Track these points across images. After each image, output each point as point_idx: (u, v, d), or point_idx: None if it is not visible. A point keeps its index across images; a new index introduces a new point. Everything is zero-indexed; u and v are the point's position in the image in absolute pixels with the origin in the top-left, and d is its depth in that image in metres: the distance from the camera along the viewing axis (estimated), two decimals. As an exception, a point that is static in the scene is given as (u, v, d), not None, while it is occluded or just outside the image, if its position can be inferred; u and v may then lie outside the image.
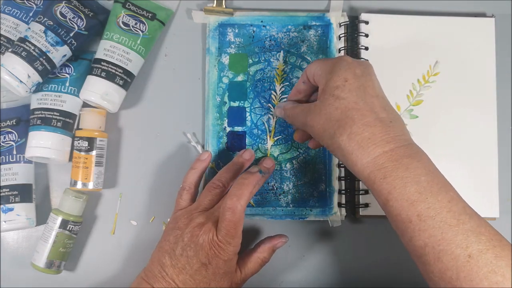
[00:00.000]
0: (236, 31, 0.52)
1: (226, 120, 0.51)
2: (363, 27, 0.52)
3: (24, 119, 0.50)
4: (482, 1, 0.54)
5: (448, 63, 0.52)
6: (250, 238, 0.52)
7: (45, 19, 0.47)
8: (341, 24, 0.52)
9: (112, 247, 0.51)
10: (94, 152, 0.48)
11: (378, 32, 0.52)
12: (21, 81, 0.45)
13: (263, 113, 0.52)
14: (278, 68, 0.52)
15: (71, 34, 0.48)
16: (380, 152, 0.37)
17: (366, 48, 0.51)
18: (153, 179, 0.52)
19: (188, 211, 0.45)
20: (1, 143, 0.49)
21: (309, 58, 0.52)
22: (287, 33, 0.52)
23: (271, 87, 0.52)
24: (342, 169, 0.51)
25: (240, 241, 0.42)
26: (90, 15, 0.49)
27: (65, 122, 0.48)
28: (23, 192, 0.48)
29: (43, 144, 0.47)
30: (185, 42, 0.53)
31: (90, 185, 0.48)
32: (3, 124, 0.49)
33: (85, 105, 0.50)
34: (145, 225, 0.51)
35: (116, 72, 0.48)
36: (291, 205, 0.51)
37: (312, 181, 0.51)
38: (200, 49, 0.53)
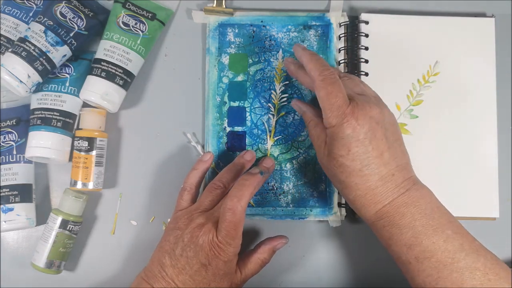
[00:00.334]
0: (236, 31, 0.52)
1: (226, 120, 0.51)
2: (363, 27, 0.52)
3: (24, 119, 0.50)
4: (482, 1, 0.54)
5: (448, 63, 0.52)
6: (250, 239, 0.52)
7: (45, 19, 0.47)
8: (341, 24, 0.52)
9: (112, 247, 0.51)
10: (94, 152, 0.48)
11: (378, 32, 0.52)
12: (21, 81, 0.45)
13: (263, 113, 0.52)
14: (277, 67, 0.52)
15: (71, 34, 0.48)
16: (380, 207, 0.41)
17: (366, 48, 0.51)
18: (153, 179, 0.52)
19: (188, 212, 0.45)
20: (1, 143, 0.49)
21: (309, 58, 0.52)
22: (287, 33, 0.52)
23: (271, 87, 0.52)
24: (342, 169, 0.51)
25: (240, 242, 0.42)
26: (90, 15, 0.49)
27: (65, 122, 0.48)
28: (23, 192, 0.48)
29: (43, 144, 0.47)
30: (185, 42, 0.53)
31: (90, 185, 0.48)
32: (3, 124, 0.49)
33: (85, 105, 0.50)
34: (145, 225, 0.51)
35: (116, 72, 0.48)
36: (291, 205, 0.51)
37: (312, 181, 0.51)
38: (200, 49, 0.53)
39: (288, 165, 0.51)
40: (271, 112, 0.52)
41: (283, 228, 0.51)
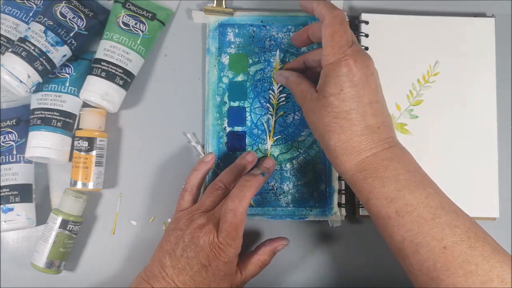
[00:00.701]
0: (236, 31, 0.52)
1: (226, 120, 0.51)
2: (363, 27, 0.52)
3: (24, 119, 0.50)
4: (482, 1, 0.54)
5: (448, 63, 0.52)
6: (250, 240, 0.52)
7: (45, 19, 0.47)
8: (341, 24, 0.52)
9: (112, 247, 0.51)
10: (94, 152, 0.48)
11: (378, 32, 0.52)
12: (21, 81, 0.45)
13: (263, 113, 0.52)
14: (275, 68, 0.52)
15: (71, 34, 0.48)
16: (363, 157, 0.40)
17: (366, 48, 0.51)
18: (153, 179, 0.52)
19: (189, 212, 0.45)
20: (1, 143, 0.49)
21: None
22: (287, 33, 0.52)
23: (271, 87, 0.52)
24: (342, 169, 0.51)
25: (240, 243, 0.42)
26: (90, 15, 0.49)
27: (65, 122, 0.48)
28: (23, 192, 0.48)
29: (43, 144, 0.47)
30: (185, 42, 0.53)
31: (90, 185, 0.48)
32: (3, 124, 0.49)
33: (85, 105, 0.50)
34: (145, 225, 0.51)
35: (116, 72, 0.48)
36: (291, 205, 0.51)
37: (312, 181, 0.51)
38: (200, 49, 0.53)
39: (288, 165, 0.51)
40: (271, 112, 0.52)
41: (283, 228, 0.51)
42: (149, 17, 0.50)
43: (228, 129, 0.51)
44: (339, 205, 0.51)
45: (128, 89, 0.50)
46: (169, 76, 0.53)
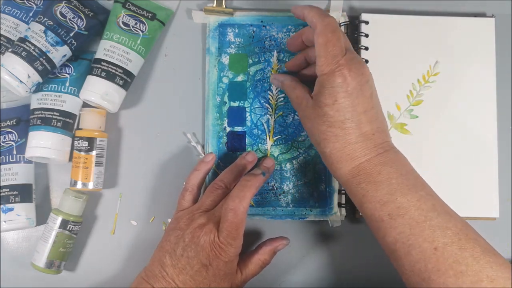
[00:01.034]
0: (236, 31, 0.52)
1: (226, 120, 0.51)
2: (363, 27, 0.52)
3: (24, 119, 0.50)
4: (482, 1, 0.54)
5: (448, 63, 0.52)
6: (250, 239, 0.52)
7: (45, 19, 0.47)
8: (341, 24, 0.52)
9: (112, 247, 0.51)
10: (94, 152, 0.48)
11: (378, 32, 0.52)
12: (21, 81, 0.45)
13: (263, 113, 0.52)
14: (273, 68, 0.52)
15: (71, 34, 0.48)
16: (357, 163, 0.41)
17: (366, 48, 0.51)
18: (153, 179, 0.52)
19: (189, 212, 0.45)
20: (1, 143, 0.49)
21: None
22: (287, 33, 0.52)
23: (271, 87, 0.52)
24: (342, 169, 0.51)
25: (241, 243, 0.42)
26: (90, 15, 0.49)
27: (65, 122, 0.48)
28: (23, 192, 0.48)
29: (43, 144, 0.47)
30: (185, 42, 0.53)
31: (90, 185, 0.48)
32: (3, 124, 0.49)
33: (85, 105, 0.50)
34: (145, 225, 0.51)
35: (116, 72, 0.48)
36: (291, 205, 0.51)
37: (312, 181, 0.51)
38: (200, 49, 0.53)
39: (288, 165, 0.51)
40: (269, 113, 0.52)
41: (283, 228, 0.51)
42: (149, 17, 0.50)
43: (228, 129, 0.51)
44: (339, 205, 0.51)
45: (128, 89, 0.50)
46: (169, 76, 0.53)
